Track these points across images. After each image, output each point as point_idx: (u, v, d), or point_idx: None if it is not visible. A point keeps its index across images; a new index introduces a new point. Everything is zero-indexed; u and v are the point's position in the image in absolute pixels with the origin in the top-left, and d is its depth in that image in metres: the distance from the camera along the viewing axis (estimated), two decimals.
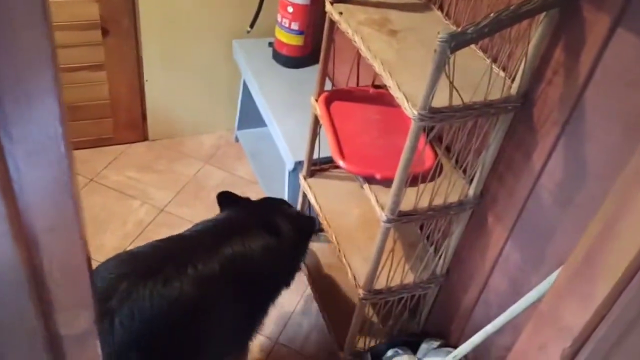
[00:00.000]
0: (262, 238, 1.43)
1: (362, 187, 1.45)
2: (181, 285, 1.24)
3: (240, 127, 2.62)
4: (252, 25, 2.35)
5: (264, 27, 2.36)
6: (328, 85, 2.12)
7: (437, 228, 1.60)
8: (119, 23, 2.19)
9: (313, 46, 2.29)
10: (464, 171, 1.46)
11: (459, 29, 1.07)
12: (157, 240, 1.39)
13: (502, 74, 1.29)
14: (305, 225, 1.61)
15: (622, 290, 0.74)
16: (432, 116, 1.17)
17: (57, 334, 0.41)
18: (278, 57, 2.31)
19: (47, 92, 0.30)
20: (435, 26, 1.45)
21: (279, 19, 2.20)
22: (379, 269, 1.49)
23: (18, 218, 0.34)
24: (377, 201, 1.39)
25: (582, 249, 0.78)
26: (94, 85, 2.31)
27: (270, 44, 2.35)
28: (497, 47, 1.32)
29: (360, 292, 1.52)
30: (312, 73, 2.13)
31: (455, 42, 1.07)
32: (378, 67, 1.29)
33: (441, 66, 1.09)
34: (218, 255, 1.33)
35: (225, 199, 1.59)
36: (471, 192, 1.42)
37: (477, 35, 1.09)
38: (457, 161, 1.50)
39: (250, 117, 2.54)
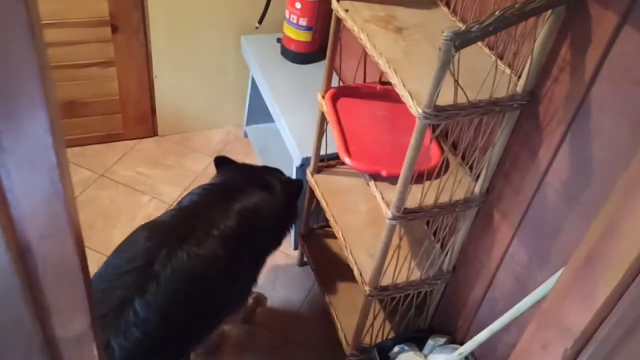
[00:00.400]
0: (259, 194, 1.61)
1: (367, 184, 1.46)
2: (212, 246, 1.41)
3: (248, 123, 2.63)
4: (260, 21, 2.35)
5: (272, 23, 2.36)
6: (335, 81, 2.13)
7: (444, 225, 1.60)
8: (129, 20, 2.20)
9: (321, 42, 2.28)
10: (470, 168, 1.46)
11: (464, 27, 1.07)
12: (174, 210, 1.55)
13: (508, 71, 1.29)
14: (293, 184, 1.81)
15: (623, 292, 0.74)
16: (437, 114, 1.17)
17: (54, 336, 0.42)
18: (286, 53, 2.32)
19: (37, 103, 0.31)
20: (441, 23, 1.45)
21: (287, 15, 2.20)
22: (385, 265, 1.49)
23: (11, 225, 0.34)
24: (383, 198, 1.39)
25: (584, 250, 0.78)
26: (104, 82, 2.33)
27: (279, 40, 2.35)
28: (504, 44, 1.31)
29: (367, 288, 1.53)
30: (320, 69, 2.13)
31: (460, 41, 1.07)
32: (383, 65, 1.29)
33: (446, 64, 1.09)
34: (231, 212, 1.50)
35: (222, 162, 1.76)
36: (477, 189, 1.42)
37: (481, 33, 1.08)
38: (463, 158, 1.49)
39: (259, 112, 2.55)
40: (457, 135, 1.51)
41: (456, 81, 1.13)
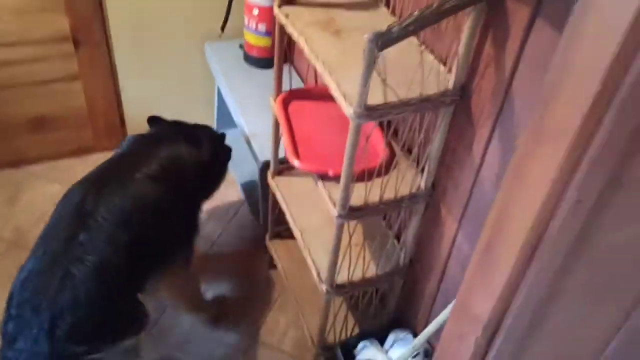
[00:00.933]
0: (184, 145, 1.76)
1: (316, 184, 1.48)
2: (135, 186, 1.56)
3: (218, 128, 2.65)
4: (222, 28, 2.37)
5: (235, 30, 2.39)
6: (300, 84, 2.15)
7: (399, 220, 1.62)
8: (90, 33, 2.23)
9: None
10: (417, 164, 1.49)
11: (385, 28, 1.10)
12: (102, 163, 1.69)
13: (442, 67, 1.31)
14: (215, 135, 1.98)
15: (519, 279, 0.77)
16: (369, 113, 1.19)
17: None
18: (249, 59, 2.34)
19: None
20: (380, 24, 1.46)
21: (246, 22, 2.23)
22: (339, 263, 1.52)
23: None
24: (330, 197, 1.42)
25: (484, 237, 0.80)
26: (71, 96, 2.35)
27: (241, 46, 2.37)
28: (435, 41, 1.34)
29: (323, 287, 1.55)
30: (284, 73, 2.14)
31: (382, 41, 1.09)
32: (320, 68, 1.31)
33: (371, 64, 1.11)
34: (155, 159, 1.65)
35: (155, 122, 1.93)
36: (423, 184, 1.44)
37: (402, 33, 1.11)
38: (410, 153, 1.52)
39: (228, 117, 2.57)
40: (402, 133, 1.54)
41: (384, 80, 1.16)
